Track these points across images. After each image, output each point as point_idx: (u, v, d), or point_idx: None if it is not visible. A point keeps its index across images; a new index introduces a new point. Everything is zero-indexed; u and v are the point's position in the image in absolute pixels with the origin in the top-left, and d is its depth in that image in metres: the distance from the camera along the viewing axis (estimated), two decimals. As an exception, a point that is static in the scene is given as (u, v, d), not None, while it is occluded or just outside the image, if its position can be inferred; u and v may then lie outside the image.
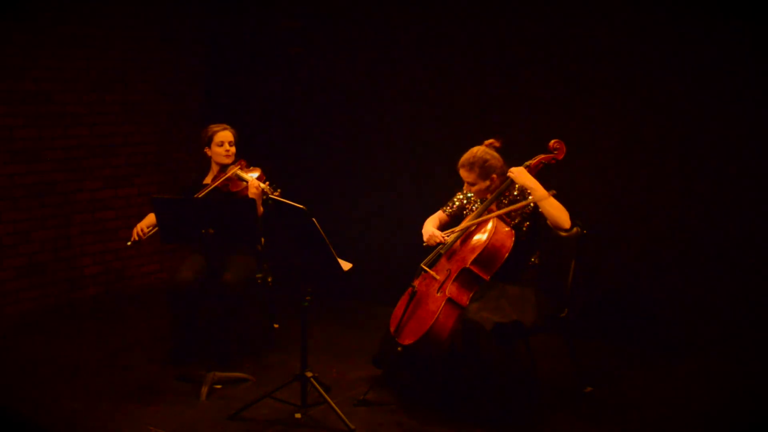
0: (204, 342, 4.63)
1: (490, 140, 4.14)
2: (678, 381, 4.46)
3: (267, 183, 4.54)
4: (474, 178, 4.06)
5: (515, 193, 4.12)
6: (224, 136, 4.77)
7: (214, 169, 4.84)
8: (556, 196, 3.90)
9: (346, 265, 3.93)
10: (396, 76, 5.90)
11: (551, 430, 3.86)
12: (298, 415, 3.98)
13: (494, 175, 4.06)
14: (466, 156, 4.08)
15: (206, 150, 4.82)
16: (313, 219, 3.78)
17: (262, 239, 4.64)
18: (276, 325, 4.94)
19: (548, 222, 3.91)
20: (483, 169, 4.03)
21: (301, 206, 3.88)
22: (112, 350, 5.01)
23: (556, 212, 3.85)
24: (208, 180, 4.84)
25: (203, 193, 4.63)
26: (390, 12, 5.87)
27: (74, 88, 6.00)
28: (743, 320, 4.64)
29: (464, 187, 4.28)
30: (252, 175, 4.65)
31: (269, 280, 4.69)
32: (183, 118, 6.77)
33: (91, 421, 3.96)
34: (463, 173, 4.08)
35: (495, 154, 4.09)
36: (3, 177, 5.61)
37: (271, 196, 4.31)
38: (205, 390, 4.23)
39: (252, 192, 4.50)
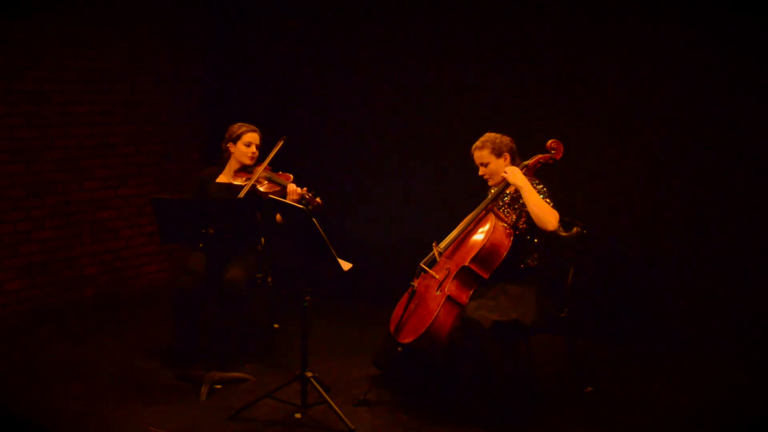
0: (204, 342, 4.63)
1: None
2: (678, 381, 4.46)
3: (305, 188, 4.52)
4: (487, 155, 4.11)
5: (515, 195, 4.13)
6: (253, 137, 4.79)
7: (233, 166, 4.82)
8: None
9: (346, 265, 3.93)
10: (395, 78, 5.89)
11: (551, 430, 3.86)
12: (298, 415, 3.98)
13: (506, 153, 4.11)
14: (477, 141, 4.15)
15: (229, 145, 4.80)
16: (313, 219, 3.78)
17: (262, 239, 4.65)
18: (276, 325, 4.94)
19: (534, 221, 3.93)
20: (494, 145, 4.10)
21: (301, 206, 3.88)
22: (112, 350, 5.01)
23: (541, 213, 3.89)
24: (224, 177, 4.83)
25: (243, 193, 4.58)
26: (390, 11, 5.86)
27: (74, 88, 5.99)
28: (743, 320, 4.64)
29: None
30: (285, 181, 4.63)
31: (269, 280, 4.68)
32: (183, 119, 6.77)
33: (91, 421, 3.96)
34: (476, 155, 4.15)
35: (505, 137, 4.14)
36: (3, 177, 5.60)
37: (313, 201, 4.37)
38: (205, 390, 4.23)
39: (292, 198, 4.48)
